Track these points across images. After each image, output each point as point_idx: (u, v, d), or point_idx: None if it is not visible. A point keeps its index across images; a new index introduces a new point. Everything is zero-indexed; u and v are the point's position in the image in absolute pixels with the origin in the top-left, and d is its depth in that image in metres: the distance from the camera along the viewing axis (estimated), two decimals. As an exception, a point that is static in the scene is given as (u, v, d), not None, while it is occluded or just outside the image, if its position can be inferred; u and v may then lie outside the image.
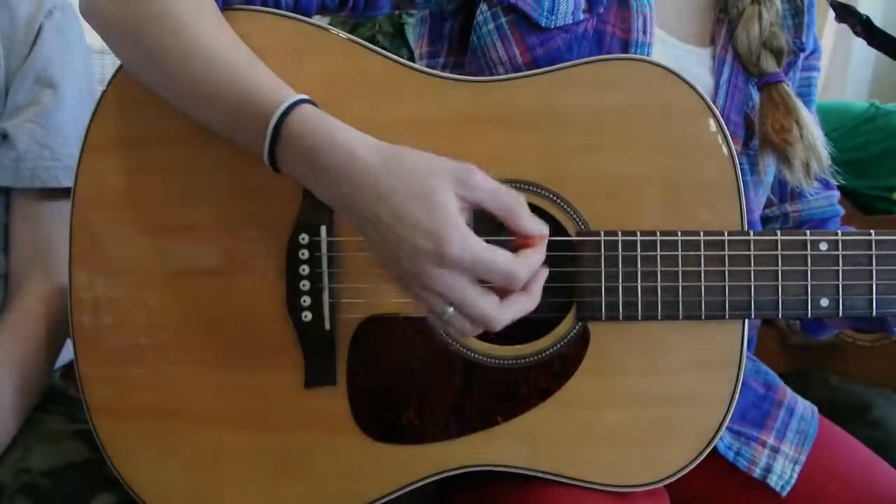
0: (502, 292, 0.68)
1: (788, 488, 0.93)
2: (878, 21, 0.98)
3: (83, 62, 1.03)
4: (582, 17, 0.86)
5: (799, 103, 0.91)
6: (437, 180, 0.67)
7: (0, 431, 0.87)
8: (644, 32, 0.87)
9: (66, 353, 0.87)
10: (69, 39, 1.00)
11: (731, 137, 0.90)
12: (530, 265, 0.68)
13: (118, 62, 0.82)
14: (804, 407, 1.00)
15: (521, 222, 0.68)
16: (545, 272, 0.70)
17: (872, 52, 0.95)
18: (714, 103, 0.89)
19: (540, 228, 0.69)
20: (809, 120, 0.91)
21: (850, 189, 1.53)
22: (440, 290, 0.66)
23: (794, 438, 0.96)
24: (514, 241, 0.69)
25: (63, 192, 0.96)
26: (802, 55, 0.97)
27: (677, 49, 0.91)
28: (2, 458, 0.87)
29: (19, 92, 0.98)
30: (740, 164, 0.91)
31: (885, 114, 1.67)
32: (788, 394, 1.00)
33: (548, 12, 0.86)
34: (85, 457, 0.86)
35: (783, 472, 0.94)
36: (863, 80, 2.31)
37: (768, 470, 0.93)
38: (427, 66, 0.94)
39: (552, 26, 0.86)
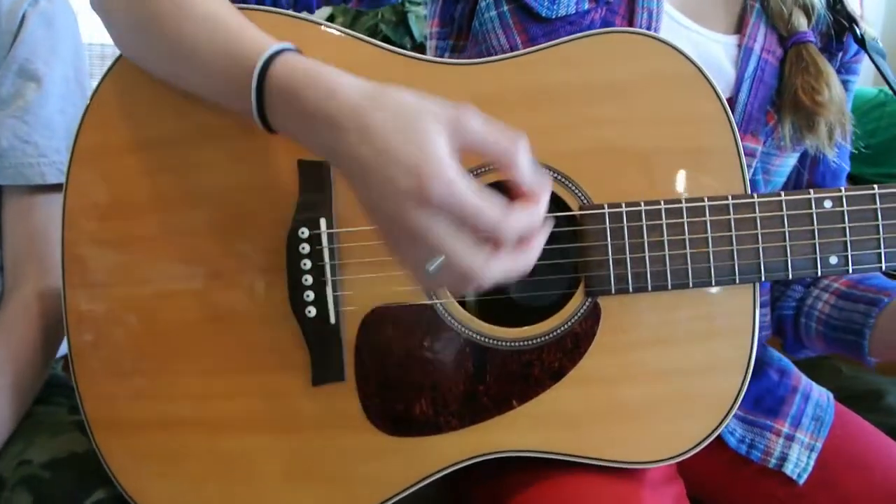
0: (494, 246, 0.60)
1: (805, 476, 0.92)
2: (878, 22, 0.97)
3: (72, 53, 1.00)
4: (587, 6, 0.85)
5: (828, 65, 0.89)
6: (428, 120, 0.60)
7: None
8: (649, 28, 0.85)
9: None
10: (56, 29, 0.98)
11: (752, 135, 0.89)
12: (528, 217, 0.60)
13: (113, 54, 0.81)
14: (820, 393, 0.99)
15: (518, 171, 0.60)
16: (546, 229, 0.63)
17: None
18: (735, 97, 0.88)
19: (541, 181, 0.62)
20: (838, 83, 0.89)
21: (859, 176, 1.53)
22: (423, 234, 0.59)
23: (810, 425, 0.94)
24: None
25: (55, 186, 0.94)
26: (840, 55, 0.95)
27: (698, 35, 0.89)
28: (3, 451, 0.86)
29: (2, 85, 0.95)
30: (754, 162, 0.90)
31: (895, 100, 1.66)
32: (803, 380, 0.99)
33: (549, 2, 0.84)
34: (86, 448, 0.84)
35: (799, 460, 0.92)
36: (868, 66, 2.33)
37: (783, 459, 0.92)
38: (436, 46, 0.94)
39: (553, 16, 0.84)
